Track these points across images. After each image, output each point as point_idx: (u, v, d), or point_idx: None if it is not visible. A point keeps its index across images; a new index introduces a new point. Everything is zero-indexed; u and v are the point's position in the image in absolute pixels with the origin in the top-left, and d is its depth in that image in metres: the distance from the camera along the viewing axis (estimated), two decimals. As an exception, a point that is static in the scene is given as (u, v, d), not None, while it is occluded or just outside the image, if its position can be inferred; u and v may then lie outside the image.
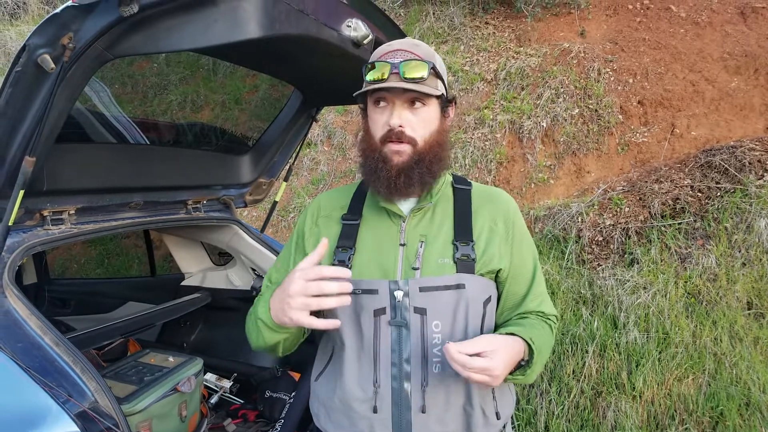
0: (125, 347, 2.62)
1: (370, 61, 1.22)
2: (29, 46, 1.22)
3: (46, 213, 1.73)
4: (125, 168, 2.06)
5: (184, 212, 2.40)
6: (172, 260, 3.14)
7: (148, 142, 2.33)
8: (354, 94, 1.23)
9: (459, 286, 1.17)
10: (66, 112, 1.43)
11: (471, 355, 1.04)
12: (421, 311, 1.16)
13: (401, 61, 1.16)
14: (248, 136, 2.77)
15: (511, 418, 1.37)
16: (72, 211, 1.82)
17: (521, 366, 1.17)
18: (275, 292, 1.13)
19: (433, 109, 1.22)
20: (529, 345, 1.16)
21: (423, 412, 1.15)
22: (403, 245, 1.22)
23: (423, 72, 1.15)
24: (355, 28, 1.57)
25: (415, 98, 1.18)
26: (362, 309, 1.19)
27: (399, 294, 1.17)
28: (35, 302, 3.34)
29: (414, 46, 1.21)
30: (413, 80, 1.15)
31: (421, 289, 1.17)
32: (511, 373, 1.15)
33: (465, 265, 1.20)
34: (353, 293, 1.17)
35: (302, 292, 1.04)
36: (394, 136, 1.17)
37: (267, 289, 1.33)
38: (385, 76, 1.15)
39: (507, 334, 1.17)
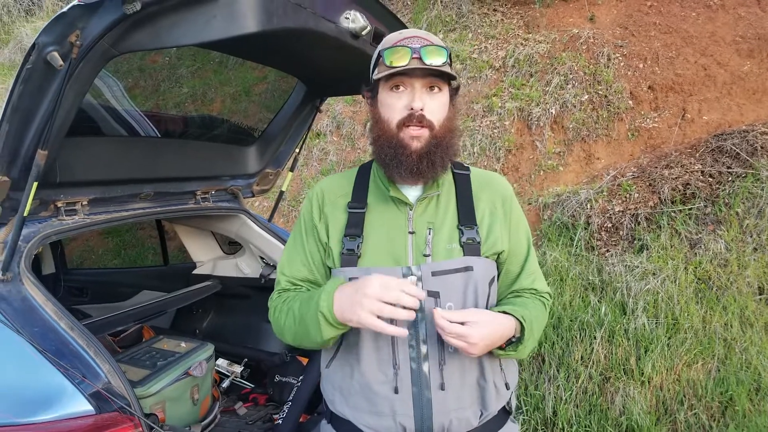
0: (140, 334, 2.70)
1: (382, 48, 1.24)
2: (38, 44, 1.27)
3: (59, 204, 1.80)
4: (135, 160, 2.13)
5: (193, 202, 2.46)
6: (185, 250, 3.21)
7: (158, 135, 2.39)
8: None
9: (467, 269, 1.23)
10: (75, 106, 1.48)
11: (454, 322, 1.12)
12: (434, 294, 1.21)
13: (421, 47, 1.19)
14: (254, 127, 2.82)
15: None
16: (85, 202, 1.89)
17: (512, 342, 1.23)
18: (343, 288, 1.16)
19: (446, 95, 1.26)
20: (520, 323, 1.22)
21: (442, 389, 1.21)
22: (412, 233, 1.27)
23: (442, 58, 1.19)
24: (354, 20, 1.60)
25: (434, 83, 1.23)
26: None
27: (413, 279, 1.22)
28: (53, 291, 3.43)
29: (427, 35, 1.25)
30: (434, 66, 1.19)
31: (434, 273, 1.22)
32: (503, 349, 1.22)
33: (471, 248, 1.25)
34: None
35: (379, 296, 1.07)
36: (416, 119, 1.20)
37: (285, 283, 1.36)
38: (406, 61, 1.18)
39: (500, 312, 1.23)
